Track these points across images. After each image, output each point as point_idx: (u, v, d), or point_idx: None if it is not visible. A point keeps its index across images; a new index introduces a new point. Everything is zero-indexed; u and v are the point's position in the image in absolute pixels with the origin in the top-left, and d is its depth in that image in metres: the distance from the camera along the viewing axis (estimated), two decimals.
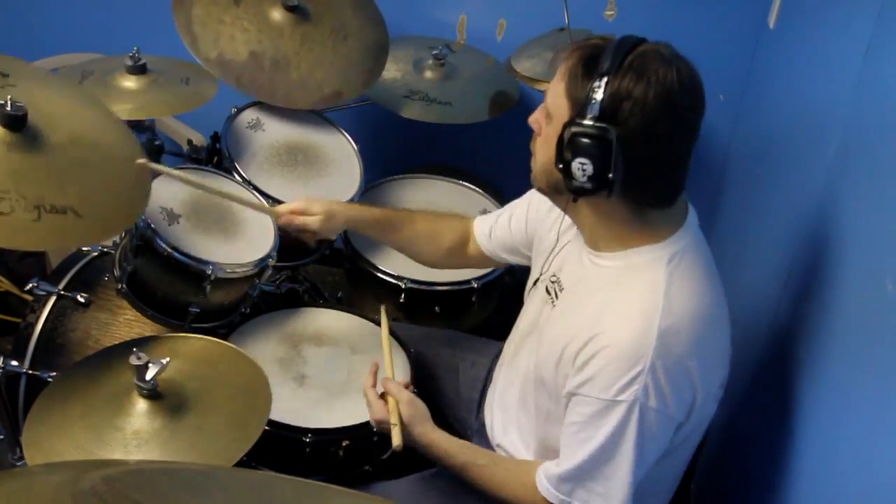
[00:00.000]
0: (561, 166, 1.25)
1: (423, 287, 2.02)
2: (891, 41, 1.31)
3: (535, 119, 1.35)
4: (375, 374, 1.57)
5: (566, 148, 1.23)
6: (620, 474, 1.28)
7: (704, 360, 1.27)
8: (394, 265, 2.04)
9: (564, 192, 1.30)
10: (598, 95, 1.20)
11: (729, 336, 1.36)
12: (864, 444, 1.11)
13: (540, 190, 1.39)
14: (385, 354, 1.63)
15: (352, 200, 2.00)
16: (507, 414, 1.55)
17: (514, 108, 2.27)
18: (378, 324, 1.88)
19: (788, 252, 1.61)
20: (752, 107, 2.25)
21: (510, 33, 2.40)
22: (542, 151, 1.32)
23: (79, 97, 1.63)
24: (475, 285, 2.03)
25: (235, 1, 2.01)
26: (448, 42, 2.37)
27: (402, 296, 2.01)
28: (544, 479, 1.35)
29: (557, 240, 1.46)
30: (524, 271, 1.63)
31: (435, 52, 2.28)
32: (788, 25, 2.03)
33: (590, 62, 1.23)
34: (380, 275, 2.03)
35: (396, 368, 1.64)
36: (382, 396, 1.52)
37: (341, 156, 2.10)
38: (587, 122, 1.21)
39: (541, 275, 1.51)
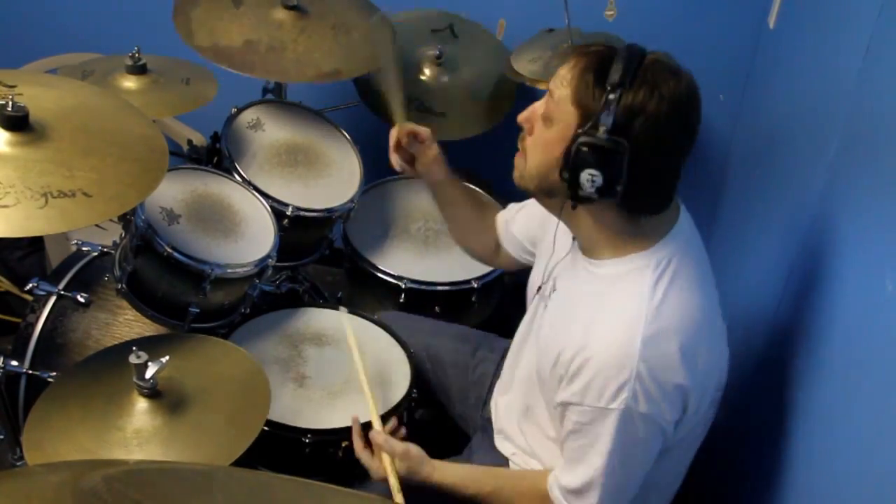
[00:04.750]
0: (567, 175, 1.24)
1: (422, 287, 2.02)
2: (891, 41, 1.31)
3: (526, 118, 1.34)
4: (360, 429, 1.53)
5: (575, 157, 1.22)
6: (619, 479, 1.31)
7: (694, 362, 1.27)
8: (394, 265, 2.04)
9: (558, 196, 1.30)
10: (612, 108, 1.19)
11: (724, 340, 1.36)
12: (864, 445, 1.11)
13: (527, 190, 1.37)
14: (367, 399, 1.57)
15: (352, 200, 2.00)
16: (510, 407, 1.57)
17: (515, 108, 2.26)
18: (377, 323, 1.89)
19: (788, 252, 1.61)
20: (752, 107, 2.25)
21: (510, 33, 2.40)
22: (538, 154, 1.30)
23: (82, 90, 1.63)
24: (475, 285, 2.03)
25: (235, 3, 2.01)
26: (450, 17, 2.33)
27: (402, 296, 2.01)
28: (557, 491, 1.37)
29: (554, 247, 1.45)
30: (524, 272, 1.63)
31: (435, 51, 2.27)
32: (788, 25, 2.03)
33: (599, 72, 1.22)
34: (380, 275, 2.03)
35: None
36: (373, 447, 1.50)
37: (341, 156, 2.10)
38: (600, 134, 1.20)
39: (542, 283, 1.51)
